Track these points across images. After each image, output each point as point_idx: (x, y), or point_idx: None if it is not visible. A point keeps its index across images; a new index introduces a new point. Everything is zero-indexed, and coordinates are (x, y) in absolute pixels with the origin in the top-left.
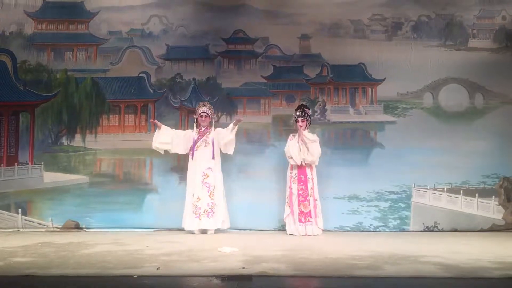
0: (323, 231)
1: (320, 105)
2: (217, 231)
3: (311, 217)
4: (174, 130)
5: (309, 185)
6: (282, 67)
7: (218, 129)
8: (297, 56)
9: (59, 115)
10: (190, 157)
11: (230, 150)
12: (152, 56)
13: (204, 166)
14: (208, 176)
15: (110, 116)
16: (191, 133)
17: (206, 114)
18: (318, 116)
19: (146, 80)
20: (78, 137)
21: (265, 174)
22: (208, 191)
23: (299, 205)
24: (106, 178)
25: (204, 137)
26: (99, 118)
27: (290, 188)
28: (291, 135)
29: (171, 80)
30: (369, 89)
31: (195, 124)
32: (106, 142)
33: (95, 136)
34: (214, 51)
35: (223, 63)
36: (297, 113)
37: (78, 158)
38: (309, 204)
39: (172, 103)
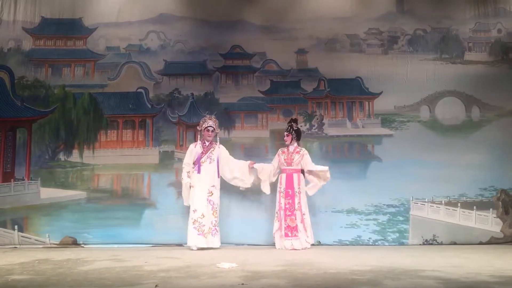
0: (312, 244)
1: (317, 119)
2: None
3: (297, 231)
4: (189, 171)
5: (296, 199)
6: (279, 82)
7: (225, 152)
8: (294, 71)
9: (56, 131)
10: (196, 171)
11: (239, 184)
12: (150, 71)
13: (209, 183)
14: (212, 194)
15: (108, 131)
16: (194, 148)
17: (213, 129)
18: (316, 130)
19: (144, 96)
20: (75, 152)
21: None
22: (212, 209)
23: (285, 220)
24: (104, 193)
25: (209, 153)
26: (97, 133)
27: (279, 202)
28: (280, 150)
29: (169, 95)
30: (366, 103)
31: (199, 138)
32: (104, 157)
33: (93, 151)
34: (212, 67)
35: (221, 78)
36: (286, 128)
37: (75, 174)
38: (295, 219)
39: (170, 118)
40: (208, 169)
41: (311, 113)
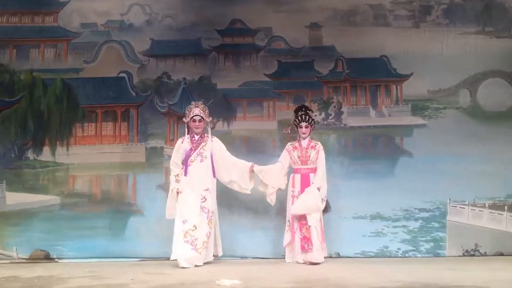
0: (328, 257)
1: (334, 107)
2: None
3: (311, 244)
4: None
5: None
6: (288, 63)
7: (220, 146)
8: (306, 49)
9: (23, 124)
10: (183, 173)
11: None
12: (133, 52)
13: (201, 187)
14: (206, 199)
15: (85, 124)
16: (182, 145)
17: (200, 118)
18: (333, 120)
19: (127, 81)
20: (46, 150)
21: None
22: (206, 218)
23: (300, 229)
24: (80, 198)
25: (199, 149)
26: (71, 127)
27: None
28: (289, 145)
29: (156, 80)
30: (394, 87)
31: (186, 131)
32: (80, 156)
33: (67, 149)
34: (207, 46)
35: (218, 59)
36: (300, 117)
37: (47, 175)
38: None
39: (159, 108)
40: (199, 169)
41: (327, 99)
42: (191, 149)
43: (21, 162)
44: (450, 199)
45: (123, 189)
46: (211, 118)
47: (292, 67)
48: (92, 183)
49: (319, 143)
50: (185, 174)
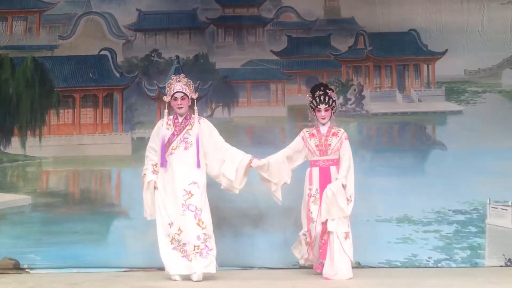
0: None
1: (355, 90)
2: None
3: (325, 254)
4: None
5: None
6: (300, 39)
7: (210, 129)
8: (321, 23)
9: None
10: (160, 165)
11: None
12: (117, 26)
13: (185, 180)
14: (192, 195)
15: (61, 111)
16: (162, 128)
17: (182, 94)
18: (353, 105)
19: (110, 60)
20: (15, 141)
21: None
22: (195, 217)
23: (322, 238)
24: (56, 198)
25: (184, 134)
26: (44, 114)
27: (309, 212)
28: (304, 131)
29: (145, 59)
30: (424, 66)
31: (166, 112)
32: (55, 148)
33: (40, 140)
34: (205, 18)
35: (217, 34)
36: (317, 98)
37: (16, 171)
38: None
39: (147, 92)
40: (183, 157)
41: (345, 82)
42: (173, 134)
43: None
44: (490, 199)
45: (105, 187)
46: (198, 94)
47: (305, 43)
48: (69, 180)
49: (342, 130)
50: (164, 165)
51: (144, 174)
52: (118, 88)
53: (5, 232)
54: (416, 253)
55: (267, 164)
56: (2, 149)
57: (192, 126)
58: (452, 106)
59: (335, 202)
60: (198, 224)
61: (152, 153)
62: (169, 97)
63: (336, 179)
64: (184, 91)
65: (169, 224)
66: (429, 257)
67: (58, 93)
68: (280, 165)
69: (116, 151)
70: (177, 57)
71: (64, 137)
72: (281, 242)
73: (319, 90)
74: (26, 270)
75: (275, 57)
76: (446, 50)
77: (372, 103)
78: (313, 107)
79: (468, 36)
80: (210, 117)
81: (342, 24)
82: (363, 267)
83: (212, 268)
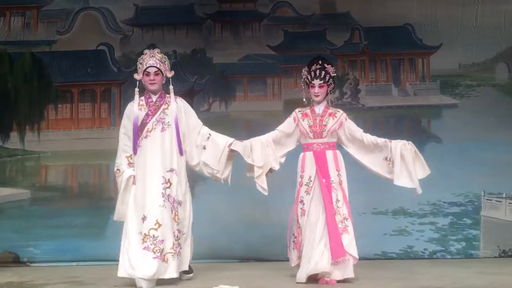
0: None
1: (350, 84)
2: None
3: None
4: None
5: (339, 195)
6: (296, 33)
7: (187, 109)
8: (317, 17)
9: None
10: (132, 151)
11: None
12: (115, 21)
13: (163, 167)
14: (170, 184)
15: (59, 106)
16: (133, 110)
17: (156, 70)
18: (349, 99)
19: (108, 55)
20: (14, 136)
21: (274, 184)
22: (172, 211)
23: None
24: (54, 192)
25: (160, 114)
26: (43, 109)
27: (298, 202)
28: (297, 111)
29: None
30: (419, 60)
31: (137, 91)
32: (53, 142)
33: (38, 134)
34: (202, 13)
35: (214, 29)
36: (313, 72)
37: (15, 165)
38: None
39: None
40: (160, 140)
41: (341, 76)
42: (147, 115)
43: None
44: (484, 192)
45: (103, 182)
46: (173, 73)
47: (301, 38)
48: (68, 174)
49: (341, 111)
50: (135, 152)
51: (118, 169)
52: (115, 83)
53: (5, 226)
54: (411, 245)
55: (249, 146)
56: (1, 144)
57: (168, 105)
58: (447, 99)
59: (420, 157)
60: (174, 219)
61: (125, 142)
62: (141, 74)
63: (382, 142)
64: (158, 65)
65: (142, 219)
66: (424, 249)
67: (56, 88)
68: (264, 147)
69: (114, 145)
70: (175, 52)
71: (62, 131)
72: (276, 233)
73: (316, 63)
74: (26, 263)
75: (271, 52)
76: (441, 44)
77: (368, 97)
78: (307, 82)
79: (463, 31)
80: (207, 112)
81: (337, 19)
82: (359, 259)
83: (184, 267)
